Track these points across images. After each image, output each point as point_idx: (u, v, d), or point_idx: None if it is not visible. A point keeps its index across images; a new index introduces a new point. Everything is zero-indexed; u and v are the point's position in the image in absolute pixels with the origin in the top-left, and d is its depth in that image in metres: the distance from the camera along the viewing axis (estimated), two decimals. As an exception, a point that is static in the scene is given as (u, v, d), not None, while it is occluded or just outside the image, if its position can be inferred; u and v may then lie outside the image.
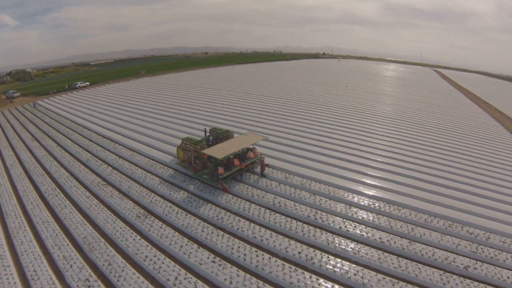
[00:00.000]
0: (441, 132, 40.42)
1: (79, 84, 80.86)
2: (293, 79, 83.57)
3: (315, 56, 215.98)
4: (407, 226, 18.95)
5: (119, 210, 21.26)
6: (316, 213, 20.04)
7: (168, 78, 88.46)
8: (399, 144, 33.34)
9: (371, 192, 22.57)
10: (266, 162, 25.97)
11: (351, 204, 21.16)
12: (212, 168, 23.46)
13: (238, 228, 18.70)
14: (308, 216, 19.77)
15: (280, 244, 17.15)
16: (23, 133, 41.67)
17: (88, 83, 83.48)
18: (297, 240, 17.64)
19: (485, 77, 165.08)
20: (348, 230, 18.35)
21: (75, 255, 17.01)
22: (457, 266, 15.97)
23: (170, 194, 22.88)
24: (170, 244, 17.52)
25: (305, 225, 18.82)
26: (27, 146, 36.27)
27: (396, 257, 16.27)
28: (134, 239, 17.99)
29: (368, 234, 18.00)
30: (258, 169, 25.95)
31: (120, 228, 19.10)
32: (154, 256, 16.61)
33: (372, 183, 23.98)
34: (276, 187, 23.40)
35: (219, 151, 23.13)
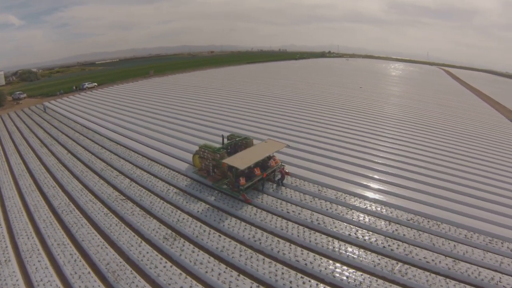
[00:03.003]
0: (470, 139, 38.52)
1: (86, 85, 78.90)
2: (305, 80, 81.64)
3: (322, 55, 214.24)
4: (449, 243, 17.56)
5: (143, 230, 19.23)
6: (357, 231, 18.29)
7: (178, 79, 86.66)
8: (432, 153, 31.43)
9: (409, 206, 20.97)
10: (287, 170, 24.29)
11: (390, 220, 19.47)
12: (232, 179, 21.75)
13: (278, 251, 16.76)
14: (349, 234, 18.03)
15: (325, 268, 15.41)
16: (31, 138, 39.76)
17: (96, 83, 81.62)
18: (342, 263, 15.96)
19: (493, 76, 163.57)
20: (392, 250, 16.80)
21: (99, 285, 15.01)
22: (504, 286, 14.80)
23: (198, 212, 20.86)
24: (206, 271, 15.51)
25: (348, 245, 17.14)
26: (36, 153, 34.35)
27: (444, 278, 14.95)
28: (164, 266, 15.98)
29: (413, 254, 16.54)
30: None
31: (147, 252, 17.05)
32: (190, 286, 14.66)
33: (409, 195, 22.37)
34: (311, 201, 21.46)
35: (240, 161, 21.50)
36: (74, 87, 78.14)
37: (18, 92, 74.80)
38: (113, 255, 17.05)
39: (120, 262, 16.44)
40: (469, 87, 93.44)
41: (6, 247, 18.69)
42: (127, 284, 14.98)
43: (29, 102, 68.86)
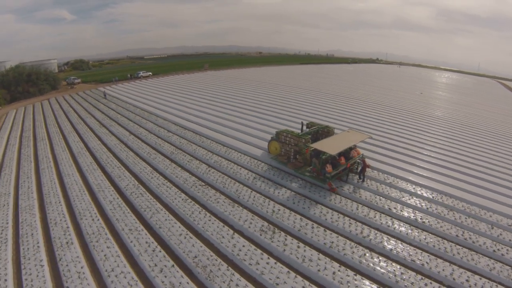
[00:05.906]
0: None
1: (141, 73, 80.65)
2: (364, 82, 78.34)
3: (373, 61, 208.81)
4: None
5: (232, 220, 16.79)
6: (463, 232, 16.94)
7: (235, 73, 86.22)
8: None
9: (506, 211, 19.42)
10: (368, 163, 22.76)
11: (492, 224, 18.12)
12: (318, 166, 20.65)
13: (391, 249, 15.21)
14: (457, 235, 16.70)
15: (443, 270, 13.97)
16: (88, 118, 39.30)
17: (150, 73, 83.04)
18: (458, 266, 14.50)
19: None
20: (502, 254, 15.41)
21: (187, 282, 12.50)
22: None
23: (294, 203, 18.64)
24: (318, 270, 13.38)
25: (459, 247, 15.70)
26: (94, 132, 33.51)
27: None
28: (267, 263, 13.52)
29: (525, 261, 15.10)
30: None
31: (243, 246, 14.57)
32: (303, 287, 12.26)
33: (503, 201, 20.69)
34: (409, 199, 20.05)
35: (329, 147, 20.75)
36: (129, 75, 79.77)
37: (72, 77, 77.03)
38: (201, 247, 14.57)
39: (211, 256, 13.93)
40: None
41: (68, 227, 16.88)
42: (224, 282, 12.40)
43: (83, 87, 70.45)
